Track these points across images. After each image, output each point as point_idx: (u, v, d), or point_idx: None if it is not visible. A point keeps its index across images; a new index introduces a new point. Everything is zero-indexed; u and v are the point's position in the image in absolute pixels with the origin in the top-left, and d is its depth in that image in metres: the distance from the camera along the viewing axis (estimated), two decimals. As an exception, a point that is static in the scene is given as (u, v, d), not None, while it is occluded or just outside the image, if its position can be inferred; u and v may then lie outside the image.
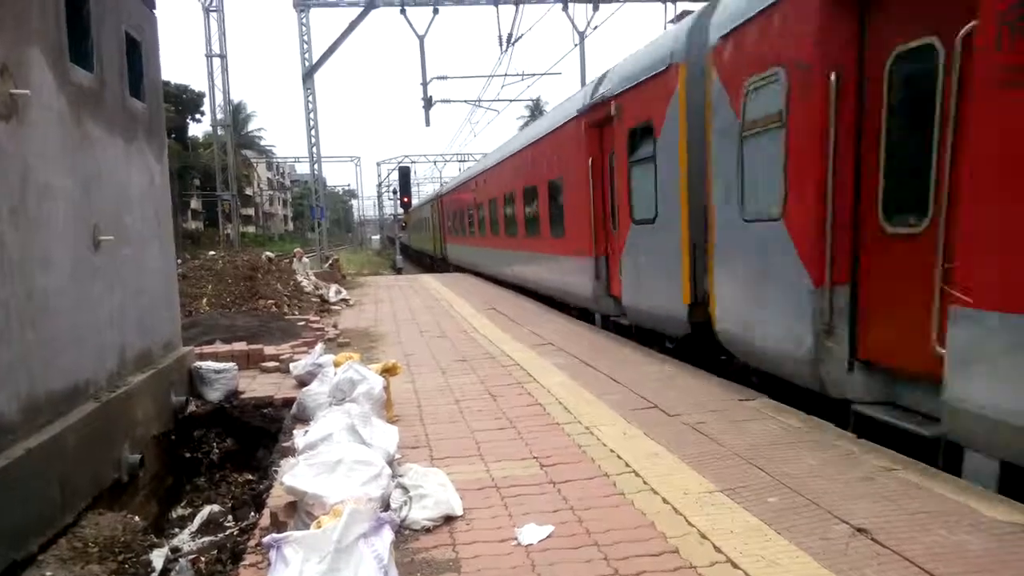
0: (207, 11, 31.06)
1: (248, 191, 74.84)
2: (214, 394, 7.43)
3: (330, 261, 24.83)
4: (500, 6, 23.51)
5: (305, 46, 24.35)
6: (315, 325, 11.65)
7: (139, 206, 6.88)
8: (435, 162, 67.85)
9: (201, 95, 48.33)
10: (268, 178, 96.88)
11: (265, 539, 3.25)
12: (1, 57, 4.46)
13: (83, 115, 5.68)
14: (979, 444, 4.33)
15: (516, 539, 3.73)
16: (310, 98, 25.18)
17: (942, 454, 4.62)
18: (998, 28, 3.98)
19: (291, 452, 4.90)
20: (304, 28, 24.17)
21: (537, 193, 15.05)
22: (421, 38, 24.25)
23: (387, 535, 3.29)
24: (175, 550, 5.47)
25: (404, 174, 31.93)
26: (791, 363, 6.07)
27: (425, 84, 26.18)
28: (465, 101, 35.35)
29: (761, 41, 6.32)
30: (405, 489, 4.13)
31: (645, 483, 4.41)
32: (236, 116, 58.79)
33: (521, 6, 23.47)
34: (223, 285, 14.36)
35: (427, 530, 3.89)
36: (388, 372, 6.09)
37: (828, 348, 5.62)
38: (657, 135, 8.66)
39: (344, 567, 3.01)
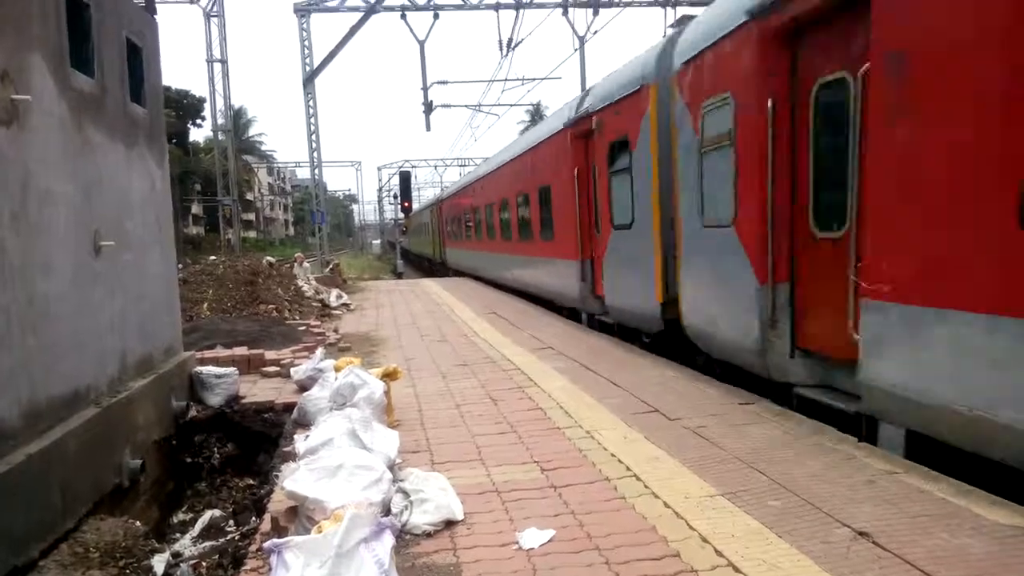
0: (208, 16, 31.14)
1: (249, 196, 74.95)
2: (215, 399, 7.43)
3: (331, 266, 24.85)
4: (501, 11, 23.59)
5: (306, 51, 24.40)
6: (316, 330, 11.65)
7: (140, 211, 6.89)
8: (436, 166, 67.93)
9: (202, 100, 48.45)
10: (269, 183, 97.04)
11: (266, 544, 3.24)
12: (2, 63, 4.47)
13: (84, 121, 5.70)
14: (889, 416, 5.05)
15: (517, 543, 3.73)
16: (311, 103, 25.23)
17: (864, 427, 5.31)
18: (882, 71, 4.81)
19: (292, 457, 4.90)
20: (305, 33, 24.23)
21: (529, 200, 15.90)
22: (422, 43, 24.33)
23: (388, 540, 3.29)
24: (176, 555, 5.47)
25: (405, 179, 31.97)
26: (744, 353, 6.85)
27: (426, 89, 26.26)
28: (466, 106, 35.42)
29: (714, 68, 7.15)
30: (406, 494, 4.13)
31: (646, 487, 4.41)
32: (237, 121, 58.95)
33: (521, 11, 23.55)
34: (224, 290, 14.37)
35: (428, 535, 3.89)
36: (389, 377, 6.09)
37: (772, 339, 6.41)
38: (632, 148, 9.48)
39: (345, 572, 3.01)
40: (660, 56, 8.69)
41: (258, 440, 7.06)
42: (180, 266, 14.26)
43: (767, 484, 4.36)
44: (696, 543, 3.63)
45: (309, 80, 24.72)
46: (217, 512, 6.41)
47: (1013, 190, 3.92)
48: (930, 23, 4.46)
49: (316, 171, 27.01)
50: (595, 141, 11.01)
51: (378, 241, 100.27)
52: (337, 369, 6.23)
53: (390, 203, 64.01)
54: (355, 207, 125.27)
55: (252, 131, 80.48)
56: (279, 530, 3.92)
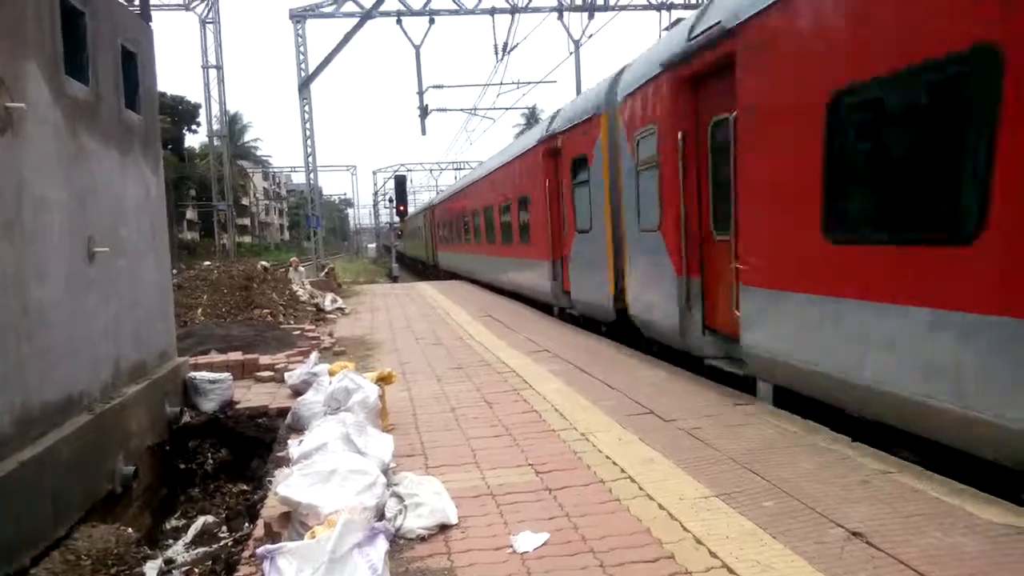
0: (203, 23, 31.16)
1: (244, 201, 74.86)
2: (209, 404, 7.42)
3: (326, 270, 24.83)
4: (496, 15, 23.64)
5: (301, 56, 24.42)
6: (310, 334, 11.62)
7: (134, 218, 6.89)
8: (431, 170, 67.95)
9: (197, 106, 48.38)
10: (264, 188, 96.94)
11: (259, 550, 3.24)
12: (-6, 70, 4.47)
13: (79, 128, 5.70)
14: (761, 375, 6.53)
15: (512, 547, 3.72)
16: (306, 108, 25.24)
17: (752, 387, 6.68)
18: (742, 117, 6.44)
19: (286, 462, 4.89)
20: (300, 39, 24.26)
21: (509, 207, 17.75)
22: (417, 47, 24.37)
23: (382, 545, 3.28)
24: (169, 561, 5.46)
25: (400, 183, 32.01)
26: (670, 334, 8.35)
27: (421, 93, 26.29)
28: (461, 110, 35.48)
29: (643, 104, 8.74)
30: (400, 498, 4.12)
31: (641, 489, 4.41)
32: (232, 127, 58.91)
33: (517, 15, 23.59)
34: (218, 295, 14.34)
35: (422, 539, 3.88)
36: (383, 381, 6.08)
37: (689, 321, 7.91)
38: (590, 164, 11.11)
39: (338, 577, 3.01)
40: (608, 90, 10.24)
41: (252, 445, 7.04)
42: (175, 271, 14.24)
43: (761, 485, 4.37)
44: (690, 545, 3.63)
45: (304, 85, 24.73)
46: (210, 518, 6.40)
47: (816, 206, 5.41)
48: (764, 88, 6.14)
49: (311, 176, 27.01)
50: (561, 158, 12.79)
51: (373, 245, 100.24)
52: (331, 373, 6.22)
53: (385, 207, 63.97)
54: (350, 211, 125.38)
55: (247, 136, 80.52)
56: (272, 536, 3.91)
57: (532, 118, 52.45)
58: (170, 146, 46.80)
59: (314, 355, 8.35)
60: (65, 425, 5.08)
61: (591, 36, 24.68)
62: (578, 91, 23.39)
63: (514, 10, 23.58)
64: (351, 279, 32.99)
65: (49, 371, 4.99)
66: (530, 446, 5.43)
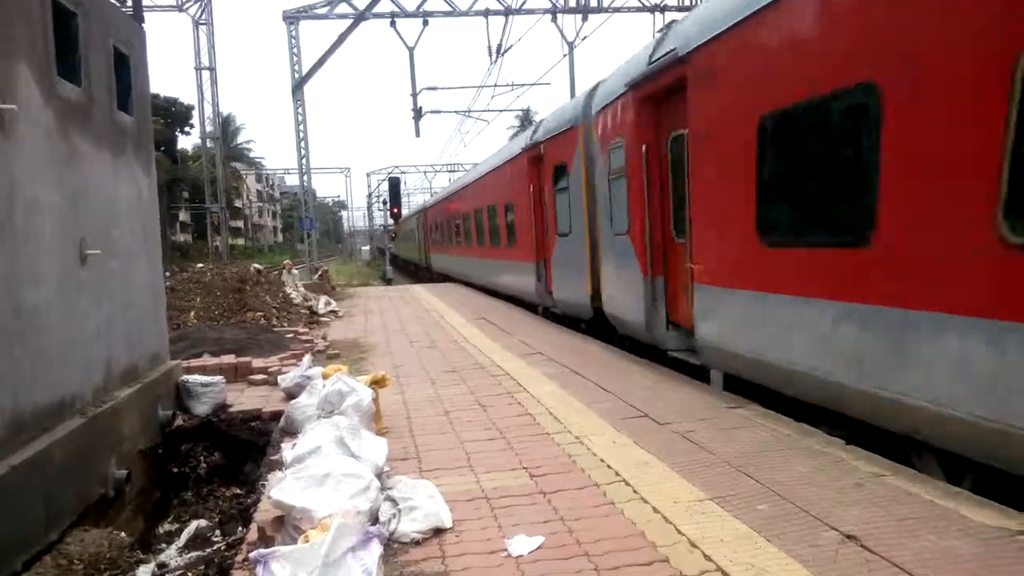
0: (196, 24, 31.08)
1: (237, 203, 74.71)
2: (201, 408, 7.38)
3: (320, 272, 24.77)
4: (490, 17, 23.64)
5: (295, 58, 24.38)
6: (304, 337, 11.60)
7: (127, 220, 6.85)
8: (425, 172, 67.96)
9: (190, 108, 48.28)
10: (257, 190, 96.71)
11: (252, 554, 3.23)
12: (-15, 71, 4.44)
13: (71, 129, 5.67)
14: (713, 364, 7.31)
15: (506, 551, 3.71)
16: (300, 110, 25.20)
17: (708, 375, 7.45)
18: (693, 134, 7.29)
19: (279, 465, 4.87)
20: (293, 40, 24.21)
21: (497, 211, 18.59)
22: (411, 49, 24.36)
23: (375, 549, 3.28)
24: (162, 566, 5.42)
25: (394, 185, 31.95)
26: (639, 329, 9.09)
27: (415, 95, 26.30)
28: (455, 111, 35.50)
29: (613, 119, 9.55)
30: (394, 502, 4.11)
31: (635, 492, 4.41)
32: (225, 128, 58.78)
33: (511, 17, 23.62)
34: (211, 298, 14.29)
35: (416, 543, 3.86)
36: (377, 384, 6.07)
37: (654, 317, 8.67)
38: (569, 172, 11.91)
39: (332, 581, 3.00)
40: (584, 104, 11.09)
41: (245, 449, 7.01)
42: (167, 274, 14.20)
43: (756, 488, 4.37)
44: (685, 548, 3.63)
45: (298, 87, 24.69)
46: (203, 522, 6.37)
47: (752, 213, 6.23)
48: (709, 110, 6.99)
49: (305, 178, 26.97)
50: (544, 165, 13.53)
51: (367, 247, 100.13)
52: (325, 376, 6.20)
53: (379, 209, 63.90)
54: (344, 213, 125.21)
55: (241, 138, 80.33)
56: (266, 540, 3.89)
57: (526, 120, 52.47)
58: (163, 148, 46.69)
59: (308, 358, 8.33)
60: (57, 429, 5.05)
61: (585, 38, 24.64)
62: (572, 93, 23.46)
63: (508, 12, 23.62)
64: (345, 282, 32.92)
65: (41, 374, 4.95)
66: (524, 449, 5.42)
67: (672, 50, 7.49)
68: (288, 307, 15.25)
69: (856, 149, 5.06)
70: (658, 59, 7.90)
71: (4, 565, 4.14)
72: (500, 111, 36.16)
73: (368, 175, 73.34)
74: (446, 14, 23.77)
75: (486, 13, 23.62)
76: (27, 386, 4.76)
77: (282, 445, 5.40)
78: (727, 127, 6.63)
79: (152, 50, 7.87)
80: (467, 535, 3.95)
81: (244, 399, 7.79)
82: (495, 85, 29.07)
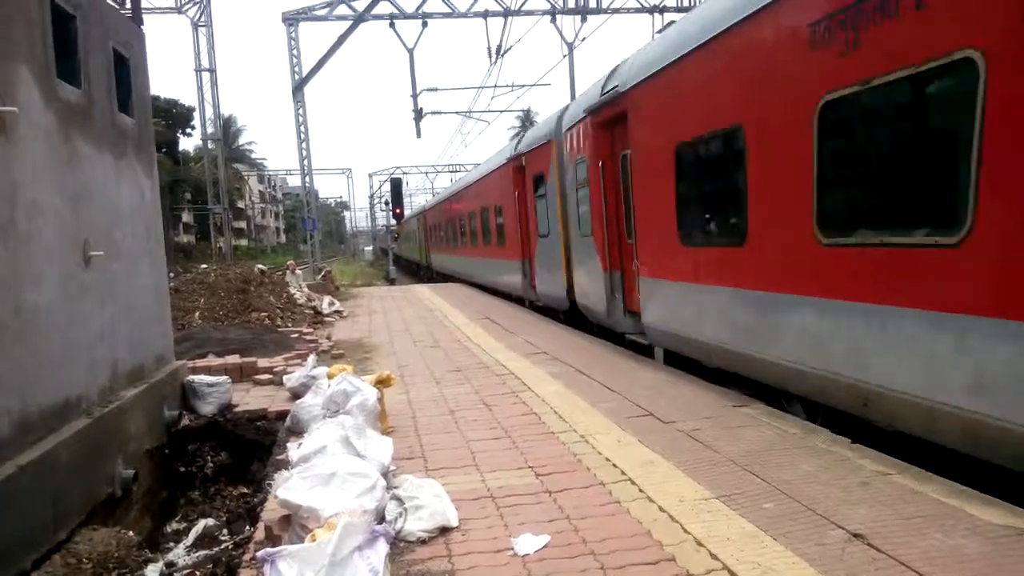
0: (195, 26, 31.09)
1: (240, 204, 74.76)
2: (207, 408, 7.40)
3: (323, 273, 24.78)
4: (489, 18, 23.63)
5: (295, 60, 24.41)
6: (308, 337, 11.61)
7: (129, 221, 6.87)
8: (427, 173, 67.94)
9: (191, 109, 48.29)
10: (260, 191, 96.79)
11: (259, 553, 3.23)
12: (-10, 73, 4.45)
13: (71, 132, 5.68)
14: (655, 342, 8.87)
15: (512, 549, 3.71)
16: (300, 111, 25.23)
17: (655, 353, 8.96)
18: (633, 153, 8.93)
19: (285, 465, 4.88)
20: (293, 42, 24.24)
21: (488, 214, 20.31)
22: (411, 50, 24.38)
23: (382, 547, 3.28)
24: (170, 565, 5.44)
25: (396, 185, 31.98)
26: (602, 316, 10.67)
27: (415, 96, 26.31)
28: (456, 112, 35.52)
29: (577, 138, 11.23)
30: (400, 501, 4.11)
31: (641, 491, 4.41)
32: (227, 130, 58.83)
33: (510, 18, 23.61)
34: (216, 298, 14.31)
35: (422, 541, 3.87)
36: (382, 383, 6.07)
37: (613, 306, 10.21)
38: (546, 180, 13.56)
39: (339, 580, 3.00)
40: (556, 123, 12.75)
41: (251, 448, 7.02)
42: (171, 275, 14.20)
43: (761, 487, 4.36)
44: (691, 547, 3.63)
45: (299, 88, 24.72)
46: (210, 521, 6.38)
47: (674, 218, 7.80)
48: (643, 136, 8.68)
49: (307, 178, 26.99)
50: (526, 174, 15.27)
51: (370, 248, 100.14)
52: (330, 376, 6.21)
53: (381, 209, 63.95)
54: (347, 214, 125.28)
55: (242, 139, 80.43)
56: (273, 539, 3.90)
57: (527, 120, 52.47)
58: (164, 149, 46.73)
59: (312, 358, 8.34)
60: (63, 429, 5.06)
61: (584, 39, 24.62)
62: (572, 94, 23.44)
63: (507, 13, 23.61)
64: (348, 282, 32.95)
65: (46, 375, 4.97)
66: (530, 448, 5.42)
67: (615, 86, 9.19)
68: (292, 307, 15.26)
69: (734, 174, 6.65)
70: (607, 92, 9.51)
71: (14, 563, 4.15)
72: (500, 112, 36.20)
73: (370, 176, 73.61)
74: (445, 15, 23.78)
75: (485, 14, 23.62)
76: (33, 387, 4.77)
77: (288, 445, 5.41)
78: (655, 151, 8.21)
79: (152, 52, 7.91)
80: (473, 534, 3.95)
81: (250, 399, 7.80)
82: (495, 86, 29.08)
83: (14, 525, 4.22)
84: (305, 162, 25.90)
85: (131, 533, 5.14)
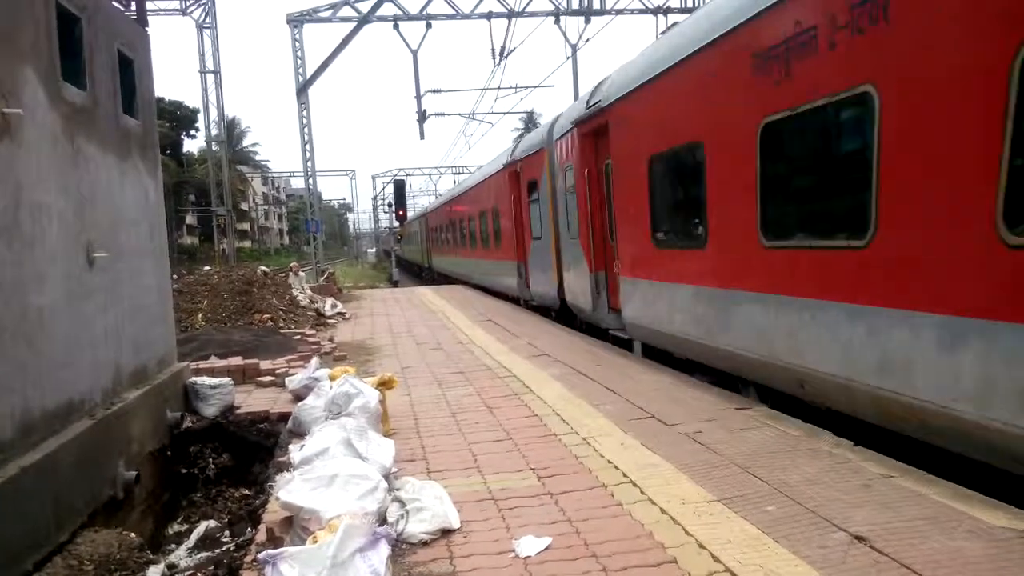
0: (200, 28, 31.19)
1: (243, 206, 74.90)
2: (210, 409, 7.40)
3: (326, 275, 24.80)
4: (493, 19, 23.64)
5: (299, 61, 24.43)
6: (311, 339, 11.62)
7: (133, 223, 6.88)
8: (430, 175, 67.97)
9: (195, 111, 48.47)
10: (263, 193, 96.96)
11: (261, 555, 3.24)
12: (-6, 75, 4.47)
13: (76, 133, 5.69)
14: (635, 336, 9.60)
15: (514, 552, 3.71)
16: (304, 113, 25.26)
17: (634, 346, 9.74)
18: (614, 162, 9.79)
19: (287, 467, 4.88)
20: (297, 44, 24.26)
21: (485, 217, 21.19)
22: (414, 52, 24.38)
23: (383, 550, 3.28)
24: (171, 566, 5.45)
25: (399, 187, 32.00)
26: (589, 313, 11.47)
27: (419, 98, 26.30)
28: (459, 114, 35.51)
29: (566, 147, 12.07)
30: (402, 503, 4.11)
31: (643, 493, 4.40)
32: (231, 131, 58.90)
33: (513, 19, 23.60)
34: (219, 300, 14.33)
35: (424, 544, 3.87)
36: (384, 385, 6.08)
37: (599, 304, 11.00)
38: (539, 187, 14.34)
39: (340, 582, 3.00)
40: (548, 132, 13.61)
41: (253, 450, 7.03)
42: (174, 276, 14.23)
43: (764, 489, 4.36)
44: (693, 549, 3.62)
45: (302, 90, 24.74)
46: (212, 523, 6.39)
47: (647, 223, 8.64)
48: (622, 147, 9.48)
49: (310, 180, 27.03)
50: (521, 180, 16.11)
51: (373, 250, 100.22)
52: (332, 378, 6.21)
53: (384, 211, 63.96)
54: (350, 216, 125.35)
55: (246, 141, 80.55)
56: (274, 541, 3.90)
57: (531, 122, 52.52)
58: (169, 151, 46.88)
59: (315, 360, 8.35)
60: (66, 431, 5.07)
61: (588, 40, 24.71)
62: (575, 95, 23.47)
63: (511, 14, 23.60)
64: (351, 284, 32.97)
65: (49, 377, 4.98)
66: (531, 450, 5.42)
67: (598, 101, 10.02)
68: (295, 309, 15.28)
69: (697, 184, 7.43)
70: (592, 105, 10.33)
71: (15, 565, 4.16)
72: (504, 113, 36.13)
73: (373, 177, 73.52)
74: (449, 17, 23.78)
75: (489, 16, 23.61)
76: (36, 388, 4.78)
77: (290, 447, 5.41)
78: (632, 161, 9.03)
79: (157, 54, 7.92)
80: (475, 536, 3.95)
81: (252, 401, 7.81)
82: (499, 88, 28.99)
83: (16, 526, 4.22)
84: (309, 164, 25.93)
85: (133, 535, 5.15)
